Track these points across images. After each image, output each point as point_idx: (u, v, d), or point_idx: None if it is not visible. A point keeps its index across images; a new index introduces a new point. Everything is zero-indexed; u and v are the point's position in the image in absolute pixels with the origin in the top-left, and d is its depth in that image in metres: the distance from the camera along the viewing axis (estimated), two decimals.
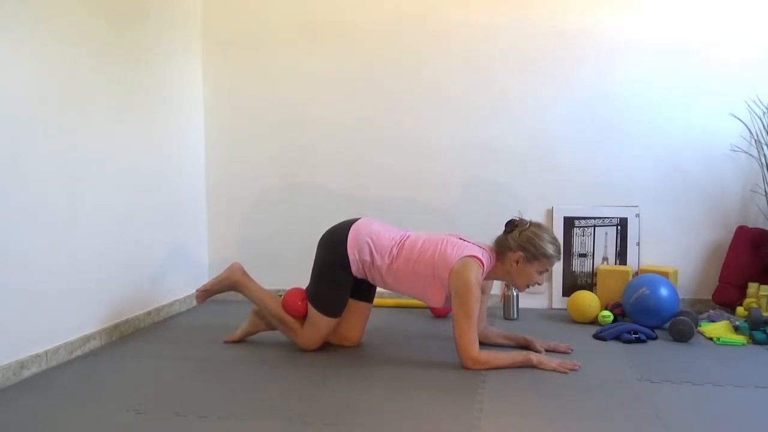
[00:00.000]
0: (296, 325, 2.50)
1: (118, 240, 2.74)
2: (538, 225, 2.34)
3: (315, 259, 2.51)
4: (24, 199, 2.21)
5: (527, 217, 2.40)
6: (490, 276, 2.39)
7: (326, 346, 2.55)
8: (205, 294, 2.67)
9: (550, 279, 3.25)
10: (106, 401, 1.95)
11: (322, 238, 2.52)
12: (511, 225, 2.35)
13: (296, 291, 2.53)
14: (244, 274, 2.62)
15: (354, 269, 2.42)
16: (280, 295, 2.57)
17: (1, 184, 2.11)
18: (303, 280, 2.58)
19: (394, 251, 2.39)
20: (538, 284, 2.37)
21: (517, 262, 2.30)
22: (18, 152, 2.18)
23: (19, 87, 2.19)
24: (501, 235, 2.37)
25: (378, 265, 2.38)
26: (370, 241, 2.40)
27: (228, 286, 2.63)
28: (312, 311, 2.46)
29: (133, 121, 2.85)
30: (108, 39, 2.67)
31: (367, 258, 2.39)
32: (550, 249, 2.29)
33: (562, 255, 2.37)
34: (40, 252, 2.28)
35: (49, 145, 2.33)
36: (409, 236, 2.44)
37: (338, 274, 2.43)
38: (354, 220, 2.49)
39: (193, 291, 3.38)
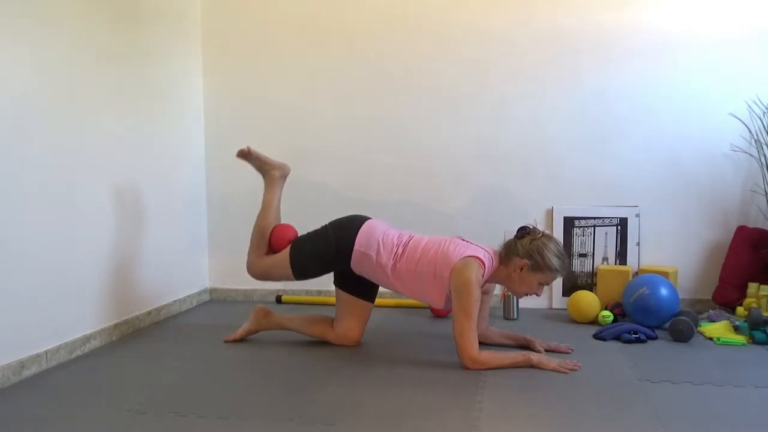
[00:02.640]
0: (264, 249, 2.58)
1: (118, 240, 2.74)
2: (549, 237, 2.34)
3: (324, 227, 2.54)
4: (24, 199, 2.21)
5: (529, 218, 2.40)
6: (492, 279, 2.39)
7: (326, 346, 2.55)
8: (250, 153, 2.69)
9: None
10: (106, 401, 1.95)
11: (336, 220, 2.56)
12: (523, 231, 2.35)
13: (292, 231, 2.59)
14: (283, 179, 2.72)
15: (353, 262, 2.44)
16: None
17: (0, 184, 2.11)
18: (303, 281, 2.59)
19: (399, 251, 2.40)
20: (537, 295, 2.37)
21: (522, 269, 2.30)
22: (17, 152, 2.18)
23: (18, 86, 2.19)
24: (510, 240, 2.37)
25: (383, 264, 2.39)
26: (380, 240, 2.42)
27: (265, 171, 2.71)
28: (286, 256, 2.50)
29: (133, 121, 2.85)
30: (107, 39, 2.67)
31: (373, 254, 2.40)
32: (556, 263, 2.29)
33: (566, 272, 2.38)
34: (40, 252, 2.28)
35: (49, 144, 2.33)
36: (413, 237, 2.45)
37: (333, 257, 2.46)
38: (365, 217, 2.53)
39: (193, 291, 3.40)
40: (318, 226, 2.61)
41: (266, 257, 2.57)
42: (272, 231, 2.60)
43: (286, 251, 2.51)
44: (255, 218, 2.60)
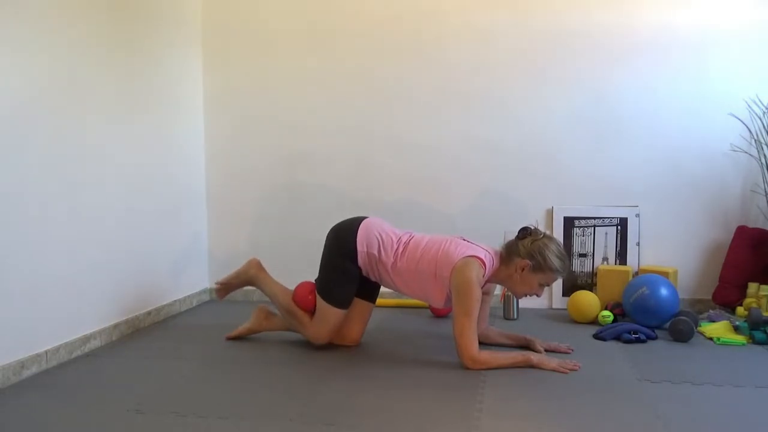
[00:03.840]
0: (305, 318, 2.53)
1: (118, 240, 2.74)
2: (550, 238, 2.35)
3: (323, 252, 2.52)
4: (24, 200, 2.21)
5: (529, 218, 2.40)
6: (492, 279, 2.39)
7: (326, 346, 2.55)
8: (225, 288, 2.73)
9: None
10: (106, 401, 1.95)
11: (331, 231, 2.54)
12: (525, 232, 2.36)
13: (306, 284, 2.57)
14: (261, 268, 2.69)
15: (360, 261, 2.43)
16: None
17: (0, 184, 2.11)
18: (303, 280, 2.59)
19: (399, 249, 2.40)
20: (537, 296, 2.36)
21: (523, 270, 2.30)
22: (18, 153, 2.18)
23: (18, 87, 2.19)
24: (512, 240, 2.38)
25: (384, 261, 2.40)
26: (379, 237, 2.43)
27: (245, 280, 2.70)
28: (320, 302, 2.47)
29: (132, 122, 2.85)
30: (108, 39, 2.67)
31: (375, 252, 2.41)
32: (557, 263, 2.28)
33: (566, 273, 2.36)
34: (40, 252, 2.28)
35: (49, 145, 2.33)
36: (413, 236, 2.46)
37: (346, 265, 2.44)
38: (363, 217, 2.53)
39: (193, 291, 3.39)
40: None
41: (314, 321, 2.50)
42: (295, 302, 2.55)
43: (320, 301, 2.47)
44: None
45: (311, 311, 2.53)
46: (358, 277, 2.47)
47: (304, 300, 2.53)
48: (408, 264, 2.38)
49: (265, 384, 2.11)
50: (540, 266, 2.29)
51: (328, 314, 2.46)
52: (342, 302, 2.46)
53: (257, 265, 2.70)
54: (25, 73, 2.22)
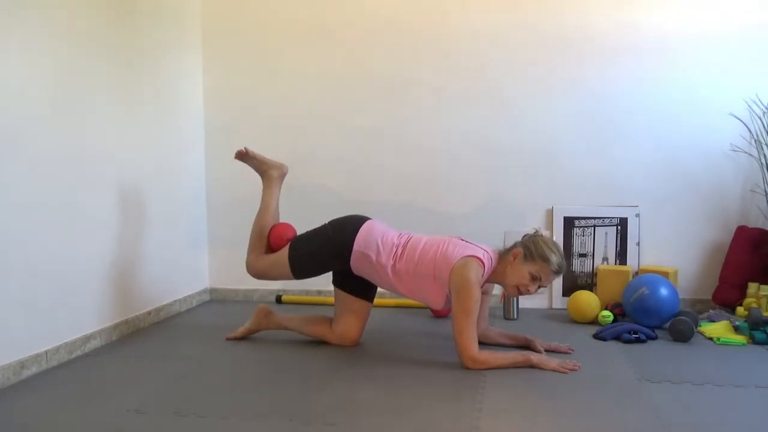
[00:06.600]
0: (262, 248, 2.60)
1: (118, 240, 2.74)
2: (551, 239, 2.36)
3: (325, 228, 2.53)
4: (24, 199, 2.21)
5: (529, 218, 2.40)
6: (491, 278, 2.39)
7: (326, 346, 2.55)
8: (247, 154, 2.74)
9: None
10: (106, 401, 1.95)
11: (336, 219, 2.56)
12: (527, 234, 2.41)
13: (291, 230, 2.61)
14: (281, 179, 2.75)
15: (353, 262, 2.44)
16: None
17: (0, 184, 2.11)
18: (302, 282, 2.58)
19: (398, 251, 2.40)
20: (529, 291, 2.30)
21: (515, 258, 2.31)
22: (17, 152, 2.18)
23: (16, 87, 2.19)
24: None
25: (383, 264, 2.39)
26: (379, 241, 2.42)
27: (263, 171, 2.75)
28: (284, 255, 2.51)
29: (133, 121, 2.85)
30: (107, 37, 2.67)
31: (372, 255, 2.40)
32: (548, 253, 2.27)
33: (560, 273, 2.31)
34: (40, 252, 2.28)
35: (48, 144, 2.33)
36: (411, 238, 2.45)
37: (332, 256, 2.47)
38: (366, 218, 2.54)
39: (193, 291, 3.40)
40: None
41: (265, 256, 2.58)
42: (270, 230, 2.62)
43: (285, 251, 2.51)
44: (255, 217, 2.63)
45: (271, 250, 2.58)
46: (331, 270, 2.53)
47: (277, 238, 2.58)
48: (407, 266, 2.37)
49: (266, 384, 2.11)
50: (531, 254, 2.28)
51: (280, 267, 2.51)
52: (298, 272, 2.51)
53: (281, 174, 2.74)
54: (24, 74, 2.22)
